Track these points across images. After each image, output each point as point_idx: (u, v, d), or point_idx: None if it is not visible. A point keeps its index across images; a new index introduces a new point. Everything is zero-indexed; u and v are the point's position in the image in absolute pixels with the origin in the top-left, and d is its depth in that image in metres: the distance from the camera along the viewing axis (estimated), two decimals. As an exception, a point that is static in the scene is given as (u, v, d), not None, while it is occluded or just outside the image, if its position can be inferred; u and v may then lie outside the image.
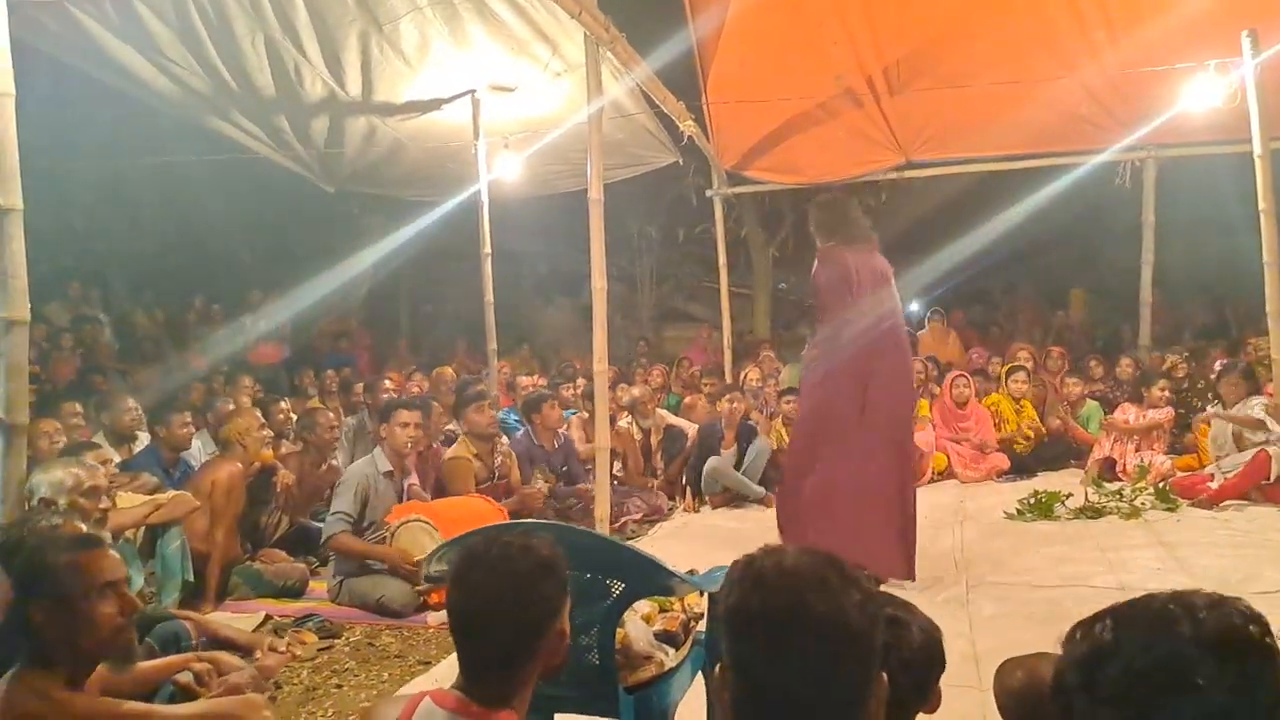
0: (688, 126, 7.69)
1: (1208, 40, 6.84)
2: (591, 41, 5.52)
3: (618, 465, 7.29)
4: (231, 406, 6.51)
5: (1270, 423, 6.12)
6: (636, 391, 7.67)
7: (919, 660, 1.71)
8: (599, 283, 5.57)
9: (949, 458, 7.53)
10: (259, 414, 5.77)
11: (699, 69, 8.13)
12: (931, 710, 1.75)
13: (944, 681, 1.74)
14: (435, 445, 6.32)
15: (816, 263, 4.83)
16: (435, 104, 7.62)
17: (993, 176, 9.99)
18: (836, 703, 1.19)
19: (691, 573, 2.87)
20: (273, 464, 5.59)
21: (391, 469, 5.10)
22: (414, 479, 5.34)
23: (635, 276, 14.26)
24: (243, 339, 10.40)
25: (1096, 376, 8.75)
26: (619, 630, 2.58)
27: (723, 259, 10.35)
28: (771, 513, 6.40)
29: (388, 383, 7.79)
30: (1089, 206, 10.86)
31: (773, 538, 5.44)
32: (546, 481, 6.23)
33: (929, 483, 7.34)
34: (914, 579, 4.70)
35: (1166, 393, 7.35)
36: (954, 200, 11.45)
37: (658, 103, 7.27)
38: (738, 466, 7.02)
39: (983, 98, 8.19)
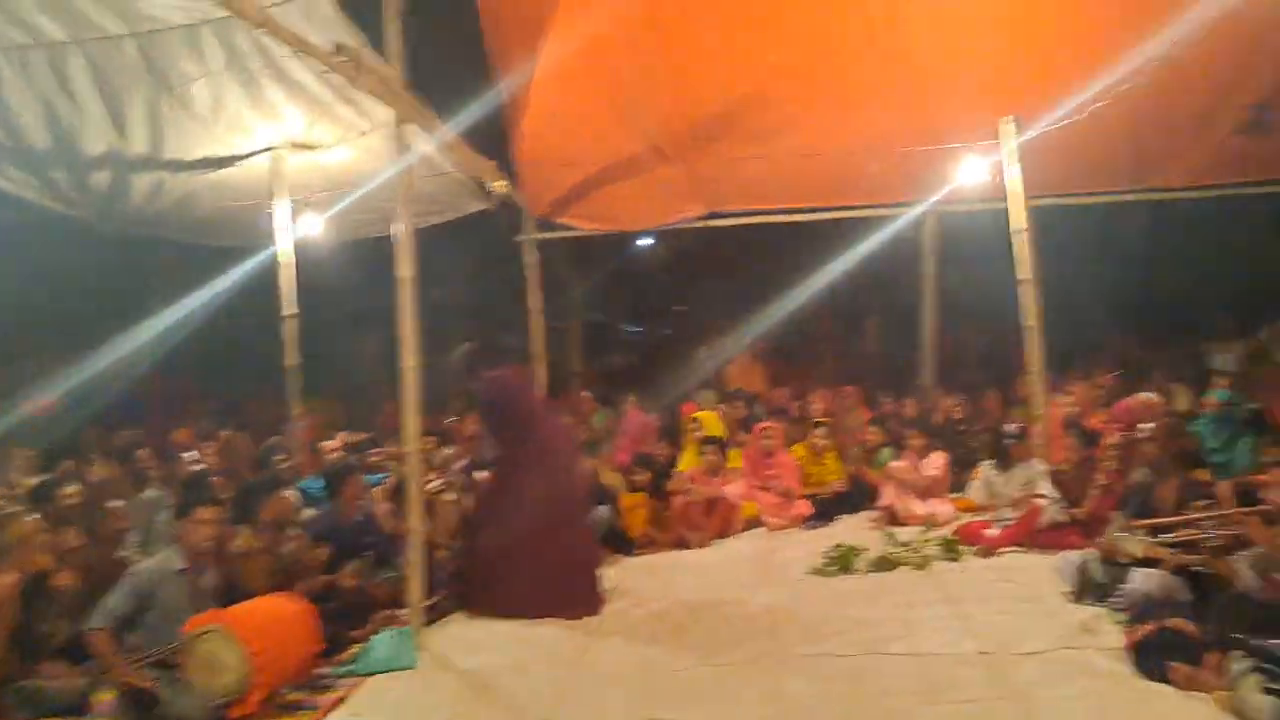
0: (498, 186, 7.69)
1: (977, 120, 7.48)
2: (401, 121, 5.47)
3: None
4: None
5: (1045, 485, 6.72)
6: (448, 451, 7.60)
7: None
8: (409, 361, 5.52)
9: (757, 506, 7.84)
10: (38, 516, 5.33)
11: (506, 122, 8.15)
12: None
13: None
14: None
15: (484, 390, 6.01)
16: (230, 161, 7.30)
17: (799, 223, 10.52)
18: None
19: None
20: (51, 567, 5.19)
21: (185, 567, 4.81)
22: (209, 578, 5.05)
23: (448, 311, 14.07)
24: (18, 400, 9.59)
25: (889, 413, 9.36)
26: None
27: (535, 299, 10.39)
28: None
29: (187, 456, 7.38)
30: (881, 246, 11.57)
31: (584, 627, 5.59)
32: (359, 562, 5.97)
33: (738, 533, 7.65)
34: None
35: (926, 440, 7.85)
36: (759, 240, 11.92)
37: (469, 167, 7.24)
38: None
39: (783, 157, 8.64)
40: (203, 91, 6.23)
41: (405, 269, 5.53)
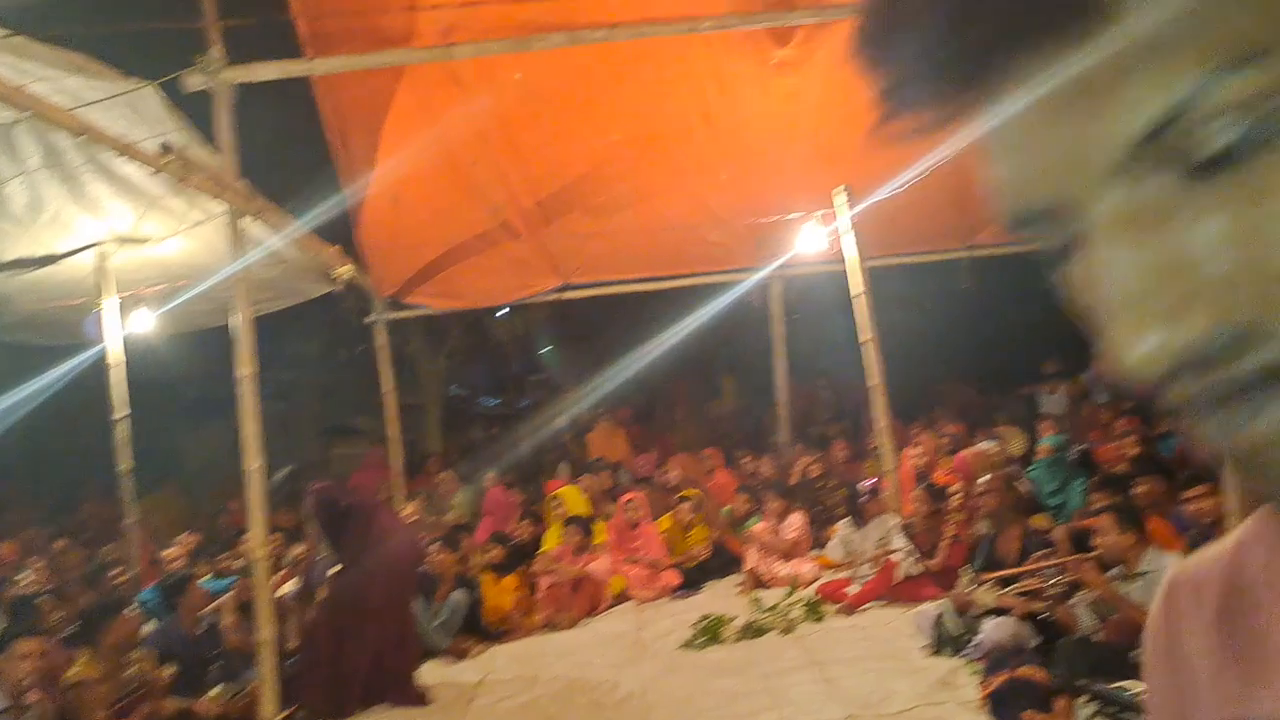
0: (344, 271, 7.54)
1: (813, 190, 7.82)
2: (234, 215, 5.32)
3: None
4: None
5: (899, 539, 6.93)
6: (299, 549, 7.31)
7: None
8: (254, 463, 5.32)
9: (625, 579, 7.81)
10: None
11: (351, 208, 8.03)
12: None
13: None
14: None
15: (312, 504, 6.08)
16: (51, 259, 6.90)
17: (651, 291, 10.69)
18: None
19: None
20: None
21: (8, 705, 4.48)
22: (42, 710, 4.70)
23: (297, 395, 13.66)
24: None
25: (749, 472, 9.53)
26: None
27: (387, 381, 10.17)
28: (455, 667, 6.43)
29: (18, 577, 6.86)
30: (733, 307, 11.87)
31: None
32: (221, 689, 5.65)
33: (606, 609, 7.59)
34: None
35: (784, 501, 8.01)
36: (614, 310, 12.03)
37: (313, 255, 7.07)
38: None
39: (631, 229, 8.80)
40: (18, 191, 5.89)
41: (246, 366, 5.33)
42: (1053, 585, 5.04)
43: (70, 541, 8.71)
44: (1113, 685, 4.28)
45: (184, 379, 13.27)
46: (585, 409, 12.52)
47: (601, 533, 8.04)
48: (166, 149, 4.30)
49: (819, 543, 8.09)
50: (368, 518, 5.96)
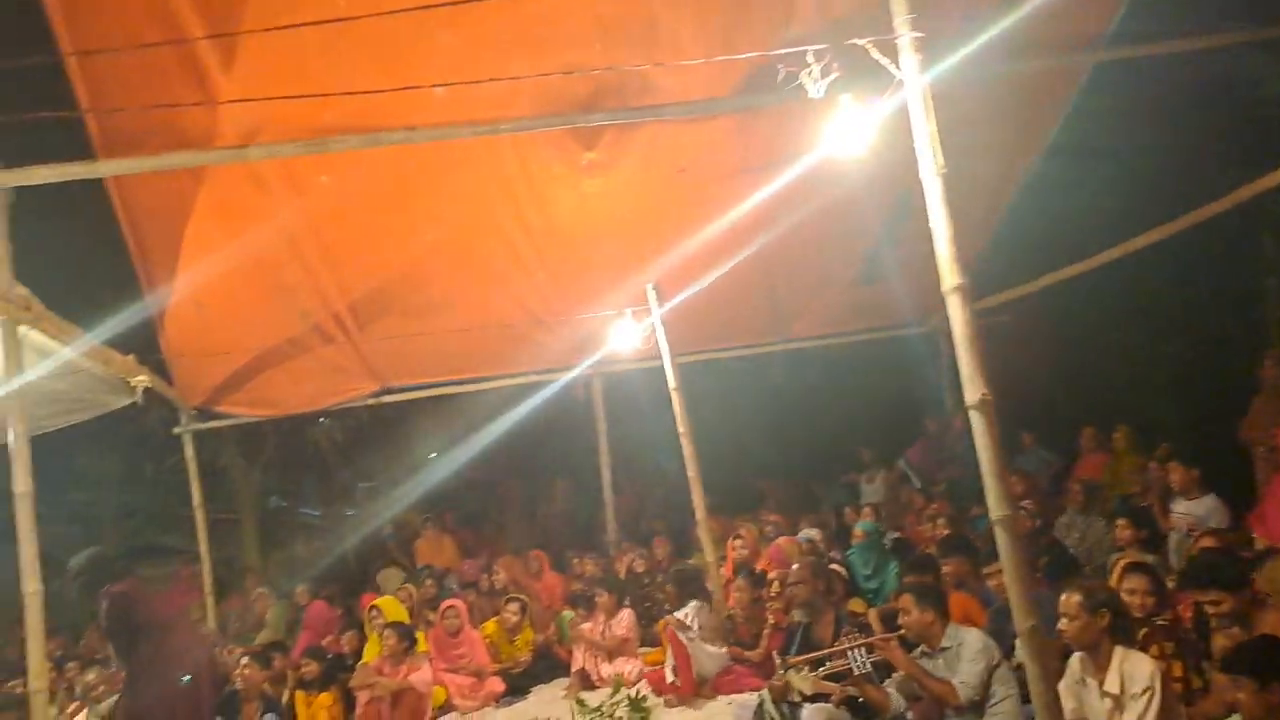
0: (141, 381, 7.17)
1: (627, 287, 8.05)
2: (8, 324, 5.02)
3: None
4: None
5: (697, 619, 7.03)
6: (90, 676, 6.76)
7: None
8: (31, 586, 4.92)
9: (447, 689, 7.55)
10: None
11: (152, 316, 7.71)
12: None
13: None
14: None
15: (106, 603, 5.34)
16: None
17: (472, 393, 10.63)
18: None
19: None
20: None
21: None
22: None
23: (97, 515, 12.74)
24: None
25: (578, 573, 9.46)
26: None
27: (197, 495, 9.67)
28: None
29: None
30: (557, 408, 11.90)
31: None
32: None
33: (430, 721, 7.31)
34: None
35: (613, 598, 7.96)
36: (438, 412, 11.88)
37: (103, 365, 6.71)
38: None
39: (449, 329, 8.77)
40: None
41: (22, 483, 4.96)
42: (861, 665, 5.16)
43: None
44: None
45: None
46: (412, 515, 12.20)
47: (423, 642, 7.76)
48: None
49: (646, 640, 8.07)
50: (163, 632, 5.46)
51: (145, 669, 5.28)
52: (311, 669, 7.34)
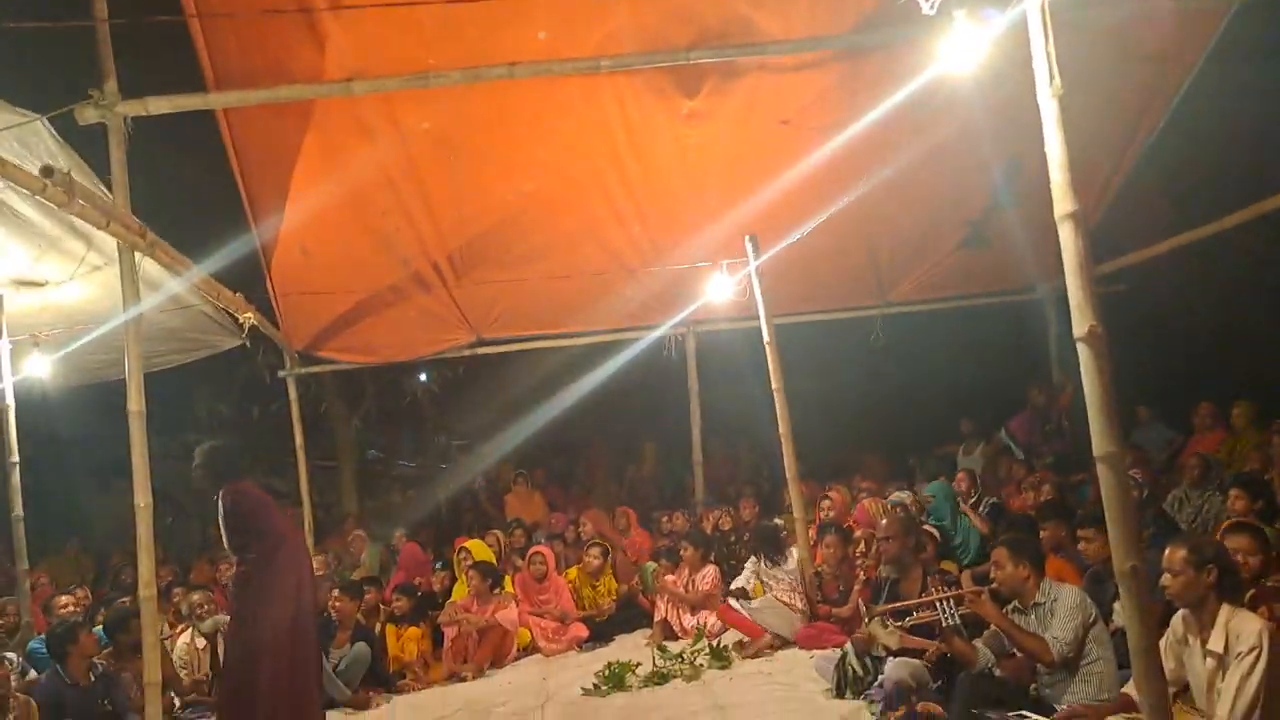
0: (248, 318, 7.42)
1: (722, 240, 7.96)
2: (125, 249, 5.22)
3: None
4: None
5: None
6: (195, 597, 7.04)
7: None
8: (143, 500, 5.14)
9: (531, 632, 7.66)
10: None
11: (261, 256, 7.96)
12: None
13: None
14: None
15: (226, 499, 5.38)
16: (-57, 299, 6.73)
17: (565, 347, 10.70)
18: None
19: None
20: None
21: None
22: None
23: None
24: None
25: (665, 531, 9.46)
26: None
27: (299, 438, 10.01)
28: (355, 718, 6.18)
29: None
30: (649, 370, 11.90)
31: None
32: None
33: (513, 660, 7.43)
34: None
35: (699, 552, 7.96)
36: (531, 368, 12.00)
37: (213, 300, 6.96)
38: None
39: (544, 283, 8.84)
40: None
41: (135, 403, 5.18)
42: (950, 617, 5.03)
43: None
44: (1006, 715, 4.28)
45: (92, 440, 12.87)
46: (505, 468, 12.39)
47: (509, 586, 7.89)
48: (48, 171, 4.21)
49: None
50: (276, 540, 5.44)
51: (256, 572, 5.32)
52: (403, 604, 7.54)
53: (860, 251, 9.40)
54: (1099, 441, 3.22)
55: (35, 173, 4.28)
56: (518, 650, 7.52)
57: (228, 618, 7.06)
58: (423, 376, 14.07)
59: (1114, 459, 3.19)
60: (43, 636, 7.06)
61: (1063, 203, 3.29)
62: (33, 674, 6.40)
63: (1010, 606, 4.96)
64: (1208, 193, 8.16)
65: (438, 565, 8.94)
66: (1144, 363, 8.97)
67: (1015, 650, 4.97)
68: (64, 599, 7.74)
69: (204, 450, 5.57)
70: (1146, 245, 8.84)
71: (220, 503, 5.36)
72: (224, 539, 5.53)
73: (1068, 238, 3.28)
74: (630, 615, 8.09)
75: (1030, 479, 8.29)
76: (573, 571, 8.34)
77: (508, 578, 8.04)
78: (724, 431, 12.13)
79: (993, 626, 5.03)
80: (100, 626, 6.96)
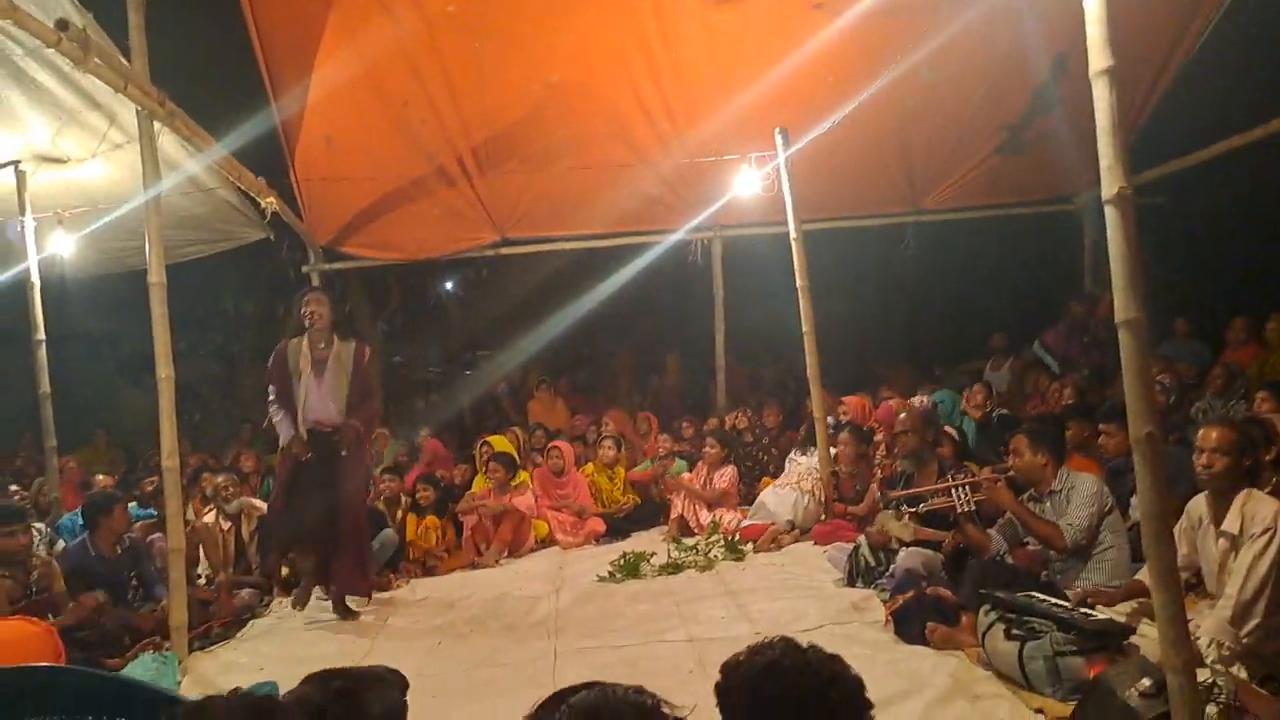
0: (269, 203, 7.40)
1: (751, 135, 7.79)
2: (145, 117, 5.18)
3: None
4: None
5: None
6: (219, 479, 7.15)
7: None
8: (164, 371, 5.20)
9: (549, 525, 7.75)
10: None
11: (284, 144, 7.90)
12: None
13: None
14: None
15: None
16: (-28, 176, 6.75)
17: (589, 251, 10.60)
18: None
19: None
20: None
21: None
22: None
23: (234, 354, 13.39)
24: None
25: (687, 436, 9.48)
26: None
27: (324, 337, 10.03)
28: (376, 607, 6.28)
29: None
30: (674, 277, 11.80)
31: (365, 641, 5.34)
32: (101, 596, 5.54)
33: (530, 551, 7.53)
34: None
35: (720, 450, 7.99)
36: (555, 272, 11.96)
37: (234, 181, 6.93)
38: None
39: (569, 180, 8.73)
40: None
41: (156, 274, 5.20)
42: (965, 504, 5.01)
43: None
44: (1015, 596, 4.26)
45: (121, 336, 13.05)
46: (526, 378, 12.43)
47: (525, 477, 7.95)
48: (63, 25, 4.15)
49: (746, 500, 8.06)
50: None
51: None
52: (428, 494, 7.59)
53: (893, 156, 9.20)
54: (1121, 306, 3.13)
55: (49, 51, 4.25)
56: (535, 542, 7.61)
57: (251, 500, 7.24)
58: (449, 285, 14.08)
59: (1135, 325, 3.10)
60: (73, 513, 7.27)
61: (1099, 58, 3.15)
62: (60, 545, 6.57)
63: (1026, 494, 4.94)
64: (1254, 100, 7.88)
65: (459, 461, 9.02)
66: (1182, 279, 8.78)
67: (1029, 538, 4.97)
68: (103, 477, 7.94)
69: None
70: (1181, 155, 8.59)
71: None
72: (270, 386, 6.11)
73: (1101, 94, 3.15)
74: (648, 512, 8.14)
75: (1055, 385, 8.18)
76: (589, 467, 8.39)
77: (525, 473, 8.09)
78: (748, 341, 12.04)
79: (1007, 515, 5.03)
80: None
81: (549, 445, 8.27)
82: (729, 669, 1.71)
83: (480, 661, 4.86)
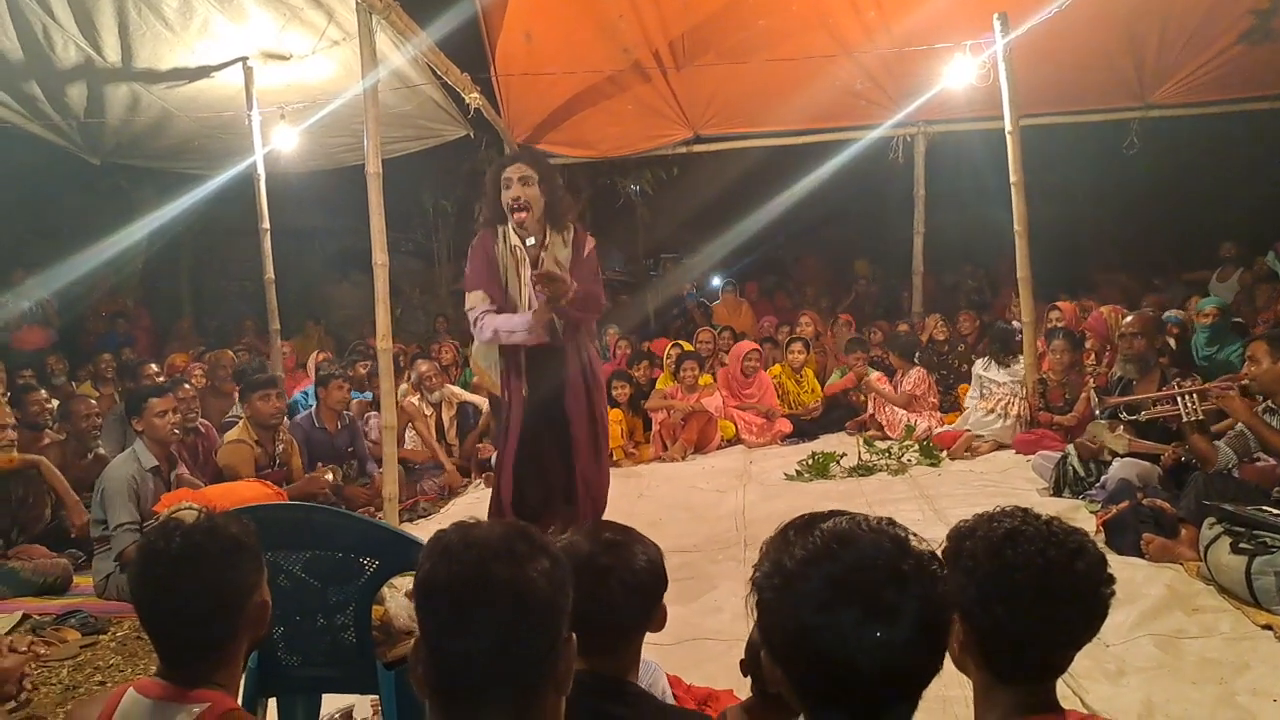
0: (473, 99, 7.55)
1: (966, 22, 7.32)
2: (364, 9, 5.34)
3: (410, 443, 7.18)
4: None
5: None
6: (424, 367, 7.50)
7: (642, 582, 1.77)
8: (380, 258, 5.43)
9: (736, 425, 7.77)
10: (8, 409, 5.33)
11: (486, 41, 8.03)
12: (657, 629, 1.83)
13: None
14: (205, 428, 6.02)
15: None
16: (204, 72, 7.17)
17: (779, 151, 10.35)
18: (518, 667, 1.20)
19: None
20: (32, 461, 5.19)
21: (157, 463, 4.80)
22: (182, 468, 5.04)
23: (433, 251, 13.93)
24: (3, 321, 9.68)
25: (876, 342, 9.26)
26: (377, 607, 2.54)
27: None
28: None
29: (153, 367, 7.42)
30: (869, 179, 11.40)
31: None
32: (329, 470, 5.99)
33: (717, 448, 7.59)
34: None
35: (901, 355, 7.82)
36: (744, 174, 11.79)
37: (441, 74, 7.10)
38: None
39: (766, 74, 8.51)
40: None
41: (373, 165, 5.40)
42: (1191, 413, 4.67)
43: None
44: (1243, 509, 3.97)
45: (329, 233, 13.79)
46: (713, 280, 12.41)
47: (707, 379, 7.95)
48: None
49: (944, 406, 7.83)
50: None
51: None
52: (624, 390, 7.65)
53: (1122, 45, 8.42)
54: None
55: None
56: (722, 440, 7.66)
57: (453, 388, 7.59)
58: (635, 187, 14.10)
59: None
60: (303, 391, 7.86)
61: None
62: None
63: (1262, 406, 4.56)
64: None
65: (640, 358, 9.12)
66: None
67: (1261, 454, 4.59)
68: (319, 354, 8.55)
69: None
70: None
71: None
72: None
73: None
74: (838, 416, 8.03)
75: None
76: (776, 368, 8.31)
77: (705, 377, 8.06)
78: (942, 248, 11.55)
79: (1238, 427, 4.66)
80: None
81: (745, 348, 8.17)
82: (960, 534, 1.64)
83: (671, 548, 4.94)
